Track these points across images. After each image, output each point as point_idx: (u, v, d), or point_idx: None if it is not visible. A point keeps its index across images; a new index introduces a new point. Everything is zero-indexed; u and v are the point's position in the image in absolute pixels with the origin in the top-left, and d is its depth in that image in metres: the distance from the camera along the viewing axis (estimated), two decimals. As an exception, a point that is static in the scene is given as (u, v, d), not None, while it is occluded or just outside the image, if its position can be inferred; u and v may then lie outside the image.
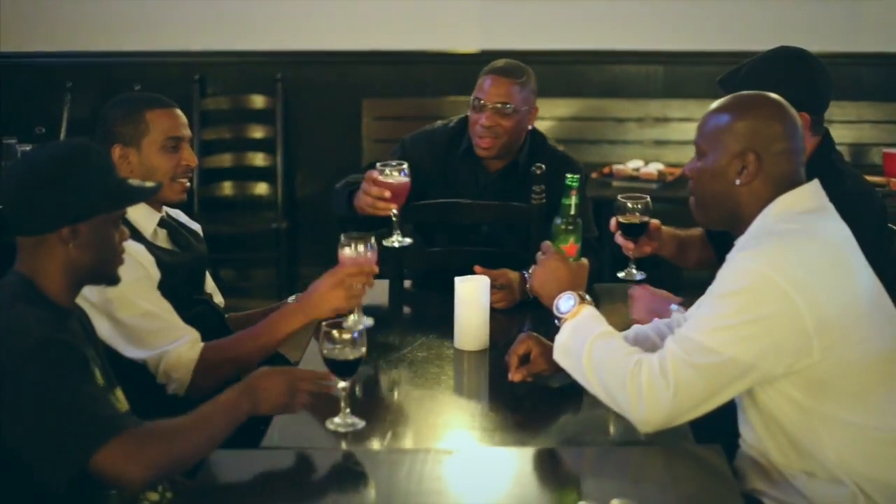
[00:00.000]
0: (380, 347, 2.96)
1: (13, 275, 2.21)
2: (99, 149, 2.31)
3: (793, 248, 2.21)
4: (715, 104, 2.41)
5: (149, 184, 2.38)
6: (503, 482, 2.15)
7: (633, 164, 5.32)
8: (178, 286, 2.82)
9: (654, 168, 5.22)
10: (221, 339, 2.78)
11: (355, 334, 2.29)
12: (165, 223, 2.91)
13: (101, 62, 5.82)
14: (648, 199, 3.02)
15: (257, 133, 5.82)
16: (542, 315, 2.96)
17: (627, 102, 5.73)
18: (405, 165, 3.03)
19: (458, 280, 2.79)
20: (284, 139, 5.80)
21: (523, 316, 3.09)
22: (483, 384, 2.71)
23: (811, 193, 2.33)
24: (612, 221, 3.02)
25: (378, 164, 3.07)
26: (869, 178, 4.66)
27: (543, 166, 3.33)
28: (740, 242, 2.32)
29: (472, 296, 2.75)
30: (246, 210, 5.86)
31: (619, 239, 3.04)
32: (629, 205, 3.01)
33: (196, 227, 3.10)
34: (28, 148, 4.55)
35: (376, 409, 2.54)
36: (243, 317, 3.12)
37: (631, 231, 3.02)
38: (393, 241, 3.08)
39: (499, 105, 3.39)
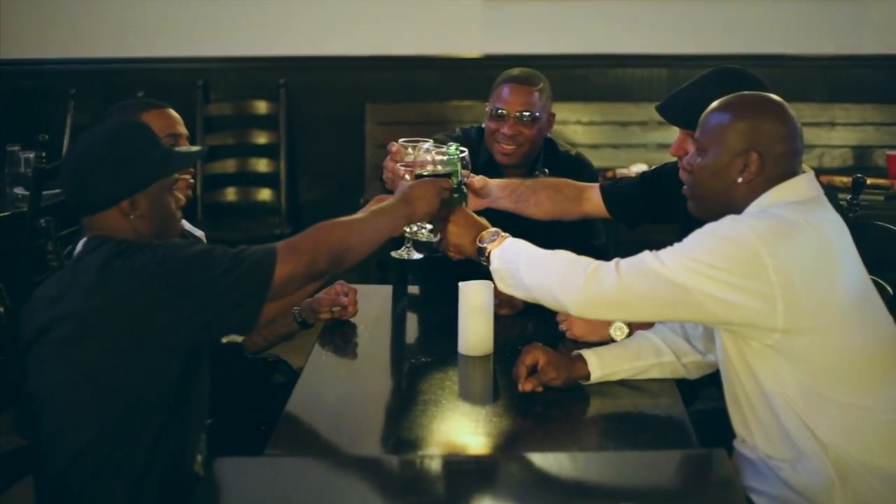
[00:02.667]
0: (383, 353, 2.96)
1: (102, 238, 2.30)
2: (142, 124, 2.46)
3: (785, 233, 2.25)
4: (717, 102, 2.43)
5: (194, 148, 2.54)
6: (507, 488, 2.15)
7: (636, 168, 5.31)
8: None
9: (657, 172, 5.22)
10: None
11: (445, 156, 2.66)
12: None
13: (105, 69, 5.83)
14: (467, 153, 2.83)
15: (261, 139, 5.82)
16: (546, 321, 2.96)
17: (631, 106, 5.73)
18: (430, 143, 2.86)
19: (462, 285, 2.78)
20: (288, 145, 5.80)
21: (527, 321, 3.08)
22: (487, 390, 2.71)
23: (806, 184, 2.37)
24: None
25: (400, 140, 2.91)
26: (872, 180, 4.67)
27: (547, 171, 3.32)
28: None
29: (477, 301, 2.75)
30: (249, 216, 5.86)
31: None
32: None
33: (200, 233, 3.11)
34: (31, 155, 4.56)
35: (379, 416, 2.54)
36: None
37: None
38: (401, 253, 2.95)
39: (521, 114, 3.38)
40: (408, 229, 2.65)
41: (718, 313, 2.26)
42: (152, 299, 2.18)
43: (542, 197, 3.12)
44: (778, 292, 2.21)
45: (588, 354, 2.61)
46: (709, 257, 2.24)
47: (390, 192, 3.01)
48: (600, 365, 2.60)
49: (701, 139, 2.42)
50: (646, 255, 2.32)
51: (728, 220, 2.30)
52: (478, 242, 2.58)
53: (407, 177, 2.76)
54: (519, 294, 2.51)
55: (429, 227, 2.71)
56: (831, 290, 2.27)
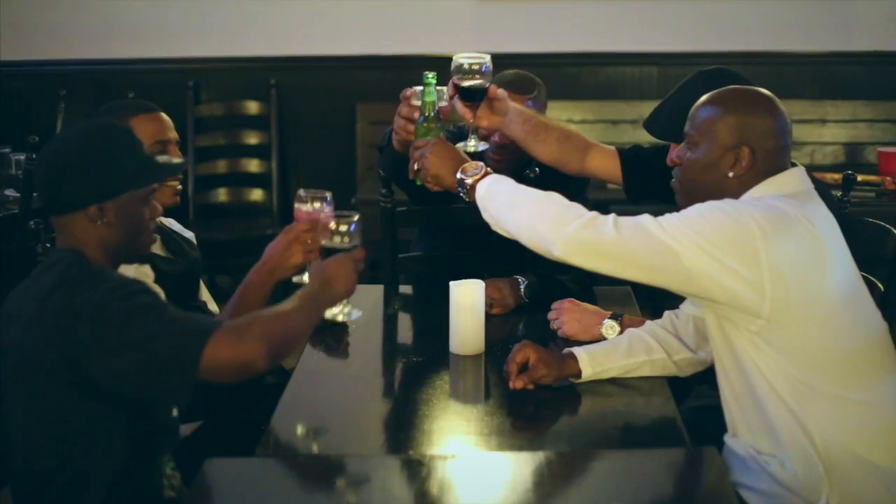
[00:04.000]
0: (374, 352, 2.96)
1: (63, 252, 2.24)
2: (124, 128, 2.36)
3: (782, 226, 2.25)
4: (707, 96, 2.43)
5: (175, 160, 2.42)
6: (500, 487, 2.14)
7: (628, 166, 5.30)
8: (173, 293, 2.80)
9: (649, 169, 5.21)
10: None
11: (351, 227, 2.43)
12: (159, 230, 2.90)
13: (95, 70, 5.81)
14: (489, 58, 2.77)
15: (252, 139, 5.82)
16: (537, 319, 2.96)
17: (622, 104, 5.73)
18: (444, 89, 2.83)
19: (453, 285, 2.78)
20: (279, 145, 5.79)
21: (518, 320, 3.08)
22: (479, 389, 2.70)
23: (797, 178, 2.37)
24: (450, 84, 2.81)
25: (415, 87, 2.86)
26: (863, 176, 4.67)
27: (538, 170, 3.31)
28: None
29: (468, 300, 2.74)
30: (241, 216, 5.85)
31: (457, 104, 2.84)
32: (466, 64, 2.76)
33: (190, 235, 3.10)
34: (22, 157, 4.55)
35: (371, 415, 2.54)
36: None
37: (469, 95, 2.78)
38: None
39: None
40: (328, 314, 2.43)
41: (704, 287, 2.25)
42: (79, 346, 2.09)
43: (552, 137, 3.02)
44: (767, 282, 2.21)
45: (579, 352, 2.61)
46: (708, 231, 2.23)
47: (398, 153, 2.97)
48: (591, 362, 2.60)
49: (691, 133, 2.42)
50: (645, 217, 2.30)
51: (730, 201, 2.30)
52: (459, 174, 2.52)
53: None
54: (501, 228, 2.44)
55: (356, 312, 2.51)
56: (821, 284, 2.27)
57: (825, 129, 5.68)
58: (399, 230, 3.50)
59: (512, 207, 2.40)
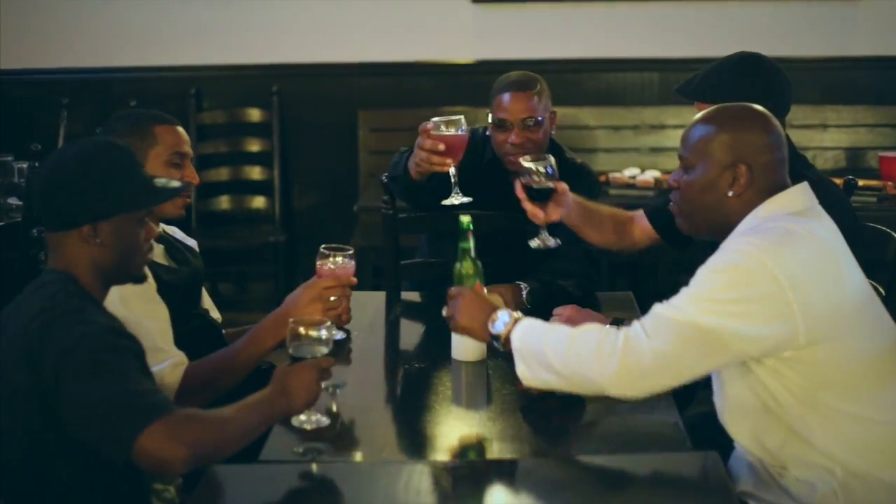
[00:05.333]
0: (377, 359, 2.96)
1: (53, 273, 2.23)
2: (124, 148, 2.34)
3: (787, 242, 2.23)
4: (699, 115, 2.42)
5: (174, 183, 2.40)
6: (502, 493, 2.15)
7: (629, 172, 5.32)
8: (175, 301, 2.81)
9: (650, 175, 5.21)
10: (203, 360, 2.69)
11: (321, 331, 2.33)
12: (162, 239, 2.91)
13: (98, 78, 5.82)
14: (552, 158, 2.91)
15: (254, 146, 5.82)
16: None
17: (623, 110, 5.73)
18: (461, 118, 2.86)
19: (454, 291, 2.78)
20: (281, 152, 5.80)
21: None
22: (481, 395, 2.70)
23: (800, 195, 2.35)
24: (517, 185, 2.91)
25: (433, 119, 2.89)
26: (865, 181, 4.68)
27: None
28: (730, 237, 2.33)
29: (469, 306, 2.74)
30: (243, 224, 5.85)
31: (527, 206, 2.93)
32: (534, 167, 2.89)
33: (192, 242, 3.10)
34: (24, 165, 4.56)
35: (373, 422, 2.54)
36: (240, 332, 3.11)
37: (539, 196, 2.92)
38: (452, 200, 2.94)
39: (523, 121, 3.34)
40: (295, 421, 2.34)
41: (746, 350, 2.20)
42: (44, 381, 2.08)
43: (605, 219, 3.09)
44: (796, 308, 2.18)
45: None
46: (724, 292, 2.19)
47: (414, 181, 3.03)
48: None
49: (686, 155, 2.39)
50: (660, 309, 2.25)
51: (729, 249, 2.26)
52: (492, 329, 2.44)
53: None
54: (545, 377, 2.35)
55: (324, 419, 2.37)
56: (841, 295, 2.25)
57: (826, 133, 5.68)
58: (402, 236, 3.50)
59: (552, 357, 2.32)
